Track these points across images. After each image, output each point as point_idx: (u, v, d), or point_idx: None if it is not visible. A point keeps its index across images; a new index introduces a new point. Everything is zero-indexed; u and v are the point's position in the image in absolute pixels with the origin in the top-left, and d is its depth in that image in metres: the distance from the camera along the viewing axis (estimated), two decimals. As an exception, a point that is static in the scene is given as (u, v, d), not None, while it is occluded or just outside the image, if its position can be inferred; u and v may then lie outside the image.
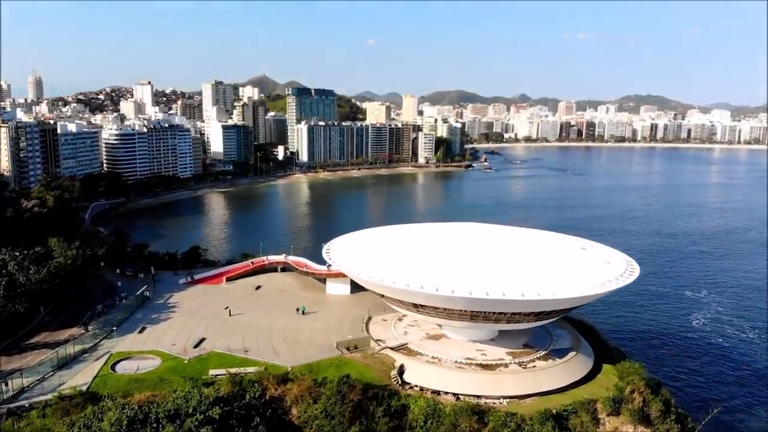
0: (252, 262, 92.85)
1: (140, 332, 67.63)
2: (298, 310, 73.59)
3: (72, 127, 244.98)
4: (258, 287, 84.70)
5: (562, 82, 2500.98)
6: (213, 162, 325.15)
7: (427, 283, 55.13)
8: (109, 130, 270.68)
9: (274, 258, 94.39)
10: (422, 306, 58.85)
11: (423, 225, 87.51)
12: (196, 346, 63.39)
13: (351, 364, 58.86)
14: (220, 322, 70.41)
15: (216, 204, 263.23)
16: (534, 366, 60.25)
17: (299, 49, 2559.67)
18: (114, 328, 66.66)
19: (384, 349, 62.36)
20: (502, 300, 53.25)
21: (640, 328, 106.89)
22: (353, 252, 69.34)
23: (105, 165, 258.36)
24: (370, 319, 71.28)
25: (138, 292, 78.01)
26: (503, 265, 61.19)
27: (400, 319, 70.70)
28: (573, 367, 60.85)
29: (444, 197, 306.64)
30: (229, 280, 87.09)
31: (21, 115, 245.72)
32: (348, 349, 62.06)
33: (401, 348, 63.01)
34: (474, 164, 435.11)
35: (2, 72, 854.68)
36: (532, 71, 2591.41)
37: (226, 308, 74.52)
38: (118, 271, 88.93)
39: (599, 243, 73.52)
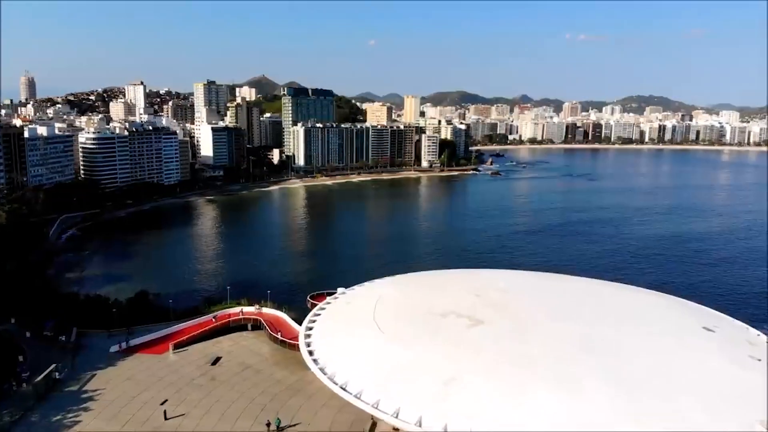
0: (215, 317, 69.52)
1: (25, 453, 44.68)
2: (269, 425, 48.29)
3: (42, 131, 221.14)
4: (216, 361, 60.75)
5: (563, 83, 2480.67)
6: (202, 167, 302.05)
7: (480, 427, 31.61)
8: (86, 133, 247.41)
9: (247, 310, 71.17)
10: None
11: (452, 277, 63.15)
12: (99, 489, 40.36)
13: None
14: (148, 434, 47.17)
15: (199, 214, 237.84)
16: None
17: (299, 50, 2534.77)
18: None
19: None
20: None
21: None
22: (348, 341, 45.76)
23: (82, 172, 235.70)
24: (374, 426, 47.97)
25: (43, 374, 54.84)
26: (598, 373, 37.55)
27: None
28: None
29: (455, 207, 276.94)
30: (178, 346, 63.56)
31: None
32: (339, 499, 38.91)
33: (425, 497, 39.80)
34: (480, 168, 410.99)
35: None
36: (533, 72, 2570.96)
37: (162, 404, 51.25)
38: (28, 333, 65.30)
39: (721, 313, 50.06)
